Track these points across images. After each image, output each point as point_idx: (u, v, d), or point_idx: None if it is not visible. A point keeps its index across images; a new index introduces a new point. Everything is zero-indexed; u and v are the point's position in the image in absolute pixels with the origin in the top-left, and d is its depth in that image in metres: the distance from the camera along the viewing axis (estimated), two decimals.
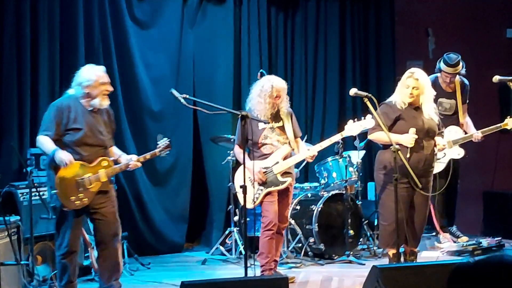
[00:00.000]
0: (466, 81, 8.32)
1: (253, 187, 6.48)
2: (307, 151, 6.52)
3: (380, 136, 6.35)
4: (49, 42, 7.50)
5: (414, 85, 6.35)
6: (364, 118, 6.34)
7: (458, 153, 7.99)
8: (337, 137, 6.58)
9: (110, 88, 5.89)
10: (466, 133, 8.06)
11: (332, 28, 9.85)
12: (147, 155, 6.11)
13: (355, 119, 6.41)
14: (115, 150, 6.10)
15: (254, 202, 6.50)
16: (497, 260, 2.12)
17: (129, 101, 8.28)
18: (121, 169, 6.01)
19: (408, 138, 6.25)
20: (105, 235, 5.91)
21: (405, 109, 6.41)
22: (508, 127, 7.50)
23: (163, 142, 6.19)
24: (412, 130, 6.27)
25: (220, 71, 8.92)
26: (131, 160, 5.99)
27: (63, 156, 5.61)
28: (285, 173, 6.56)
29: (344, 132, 6.46)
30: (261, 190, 6.50)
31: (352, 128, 6.39)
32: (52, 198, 5.79)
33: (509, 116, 7.54)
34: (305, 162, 7.36)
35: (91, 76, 5.78)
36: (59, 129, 5.73)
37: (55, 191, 5.68)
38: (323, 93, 9.78)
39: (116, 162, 6.01)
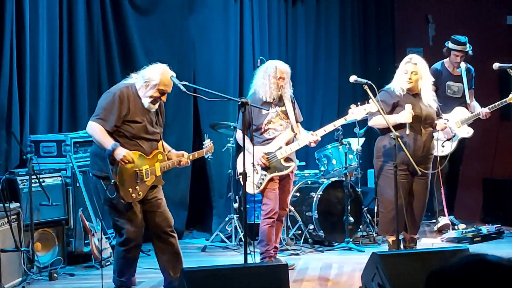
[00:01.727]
0: (471, 67, 8.45)
1: (256, 172, 6.49)
2: (310, 136, 6.52)
3: (379, 121, 6.36)
4: (48, 28, 7.47)
5: (412, 70, 6.39)
6: (368, 103, 6.34)
7: (467, 131, 8.18)
8: (341, 121, 6.58)
9: (164, 98, 5.71)
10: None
11: (332, 15, 9.84)
12: (196, 154, 6.06)
13: (359, 104, 6.41)
14: (164, 145, 5.92)
15: (258, 187, 6.51)
16: (473, 259, 1.95)
17: None
18: (173, 164, 5.85)
19: (406, 115, 6.26)
20: (159, 227, 5.70)
21: (403, 96, 6.42)
22: None
23: (208, 142, 6.20)
24: (409, 106, 6.28)
25: (220, 58, 8.90)
26: (183, 157, 5.88)
27: (125, 153, 5.37)
28: (288, 159, 6.58)
29: (348, 117, 6.46)
30: (265, 175, 6.51)
31: (356, 112, 6.38)
32: (107, 190, 5.46)
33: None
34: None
35: (157, 76, 5.56)
36: (118, 121, 5.49)
37: (113, 181, 5.36)
38: (323, 80, 9.78)
39: (167, 157, 5.87)
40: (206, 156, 6.32)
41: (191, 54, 8.73)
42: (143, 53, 8.37)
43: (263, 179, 6.51)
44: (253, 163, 6.33)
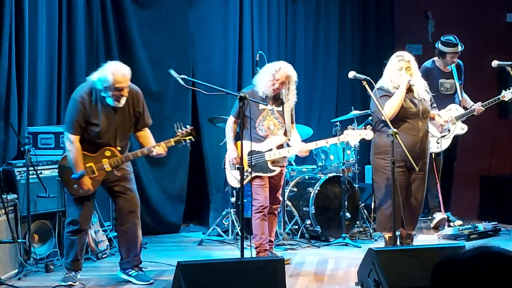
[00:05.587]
0: (460, 62, 8.42)
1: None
2: (301, 146, 6.55)
3: (392, 103, 6.33)
4: (47, 20, 7.46)
5: (406, 66, 6.41)
6: (365, 128, 6.39)
7: (462, 127, 8.15)
8: (333, 140, 6.72)
9: (125, 94, 5.86)
10: (466, 109, 8.20)
11: (332, 11, 9.83)
12: (162, 144, 6.00)
13: (355, 128, 6.49)
14: (146, 135, 6.15)
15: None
16: (483, 251, 1.96)
17: None
18: (127, 158, 6.04)
19: (403, 82, 6.31)
20: (122, 211, 6.12)
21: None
22: (506, 99, 7.67)
23: (181, 130, 6.07)
24: (406, 77, 6.32)
25: (219, 52, 8.89)
26: (141, 151, 6.09)
27: (87, 184, 5.86)
28: (276, 162, 6.58)
29: (342, 137, 6.59)
30: (250, 172, 6.45)
31: (351, 135, 6.47)
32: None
33: (503, 90, 7.66)
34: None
35: (109, 77, 5.76)
36: (82, 126, 5.88)
37: (58, 178, 5.90)
38: (322, 76, 9.77)
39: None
40: (184, 144, 6.10)
41: (190, 48, 8.72)
42: (142, 46, 8.37)
43: (246, 176, 6.49)
44: (231, 163, 6.36)
